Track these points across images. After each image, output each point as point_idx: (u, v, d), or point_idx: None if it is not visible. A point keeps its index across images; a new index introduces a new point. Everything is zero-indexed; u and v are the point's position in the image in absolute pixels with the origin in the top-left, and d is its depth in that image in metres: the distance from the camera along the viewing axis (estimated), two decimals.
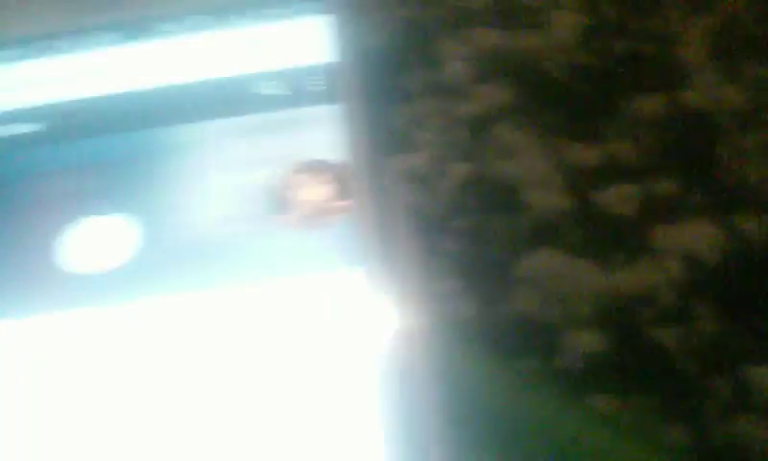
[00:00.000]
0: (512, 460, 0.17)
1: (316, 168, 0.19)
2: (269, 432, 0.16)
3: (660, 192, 0.21)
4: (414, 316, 0.17)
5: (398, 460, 0.15)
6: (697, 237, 0.21)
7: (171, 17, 0.22)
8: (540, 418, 0.18)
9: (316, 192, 0.18)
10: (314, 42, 0.21)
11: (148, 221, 0.19)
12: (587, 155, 0.21)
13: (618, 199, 0.20)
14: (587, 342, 0.18)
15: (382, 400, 0.16)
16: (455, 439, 0.16)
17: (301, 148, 0.19)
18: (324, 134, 0.19)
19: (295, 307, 0.17)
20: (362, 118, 0.20)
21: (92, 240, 0.19)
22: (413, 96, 0.22)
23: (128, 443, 0.17)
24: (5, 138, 0.20)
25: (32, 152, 0.20)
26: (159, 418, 0.17)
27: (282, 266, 0.18)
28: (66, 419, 0.17)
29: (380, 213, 0.18)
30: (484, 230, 0.20)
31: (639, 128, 0.22)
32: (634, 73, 0.22)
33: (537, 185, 0.20)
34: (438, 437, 0.16)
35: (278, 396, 0.16)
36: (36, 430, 0.17)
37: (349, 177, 0.18)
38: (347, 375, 0.16)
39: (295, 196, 0.18)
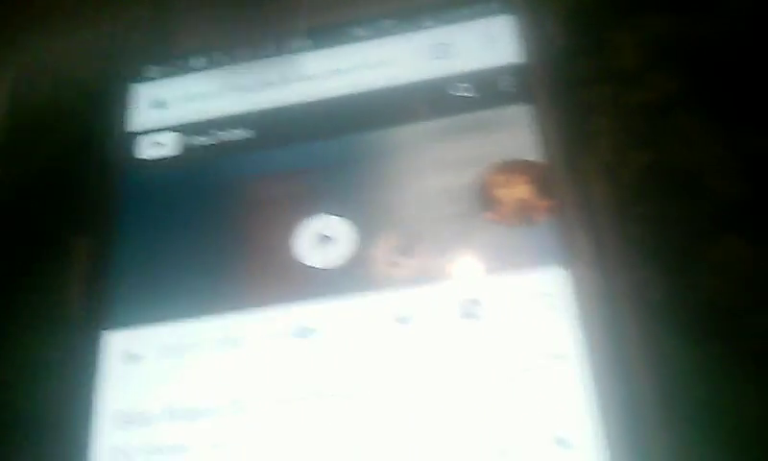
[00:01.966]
0: (702, 435, 0.18)
1: (515, 168, 0.20)
2: (476, 429, 0.18)
3: None
4: (613, 303, 0.19)
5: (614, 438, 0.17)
6: None
7: (363, 22, 0.23)
8: (724, 396, 0.19)
9: (518, 191, 0.20)
10: (501, 43, 0.22)
11: (361, 220, 0.21)
12: (766, 141, 0.21)
13: None
14: None
15: (590, 379, 0.18)
16: (659, 419, 0.18)
17: (499, 148, 0.20)
18: (520, 134, 0.21)
19: (499, 303, 0.19)
20: (552, 117, 0.21)
21: (309, 238, 0.21)
22: (588, 83, 0.23)
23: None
24: (219, 144, 0.23)
25: (246, 156, 0.22)
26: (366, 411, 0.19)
27: (487, 263, 0.19)
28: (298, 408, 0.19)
29: (580, 209, 0.19)
30: (667, 216, 0.21)
31: None
32: None
33: (717, 173, 0.21)
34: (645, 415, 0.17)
35: (485, 391, 0.18)
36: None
37: (547, 176, 0.20)
38: (551, 366, 0.18)
39: (497, 195, 0.20)
